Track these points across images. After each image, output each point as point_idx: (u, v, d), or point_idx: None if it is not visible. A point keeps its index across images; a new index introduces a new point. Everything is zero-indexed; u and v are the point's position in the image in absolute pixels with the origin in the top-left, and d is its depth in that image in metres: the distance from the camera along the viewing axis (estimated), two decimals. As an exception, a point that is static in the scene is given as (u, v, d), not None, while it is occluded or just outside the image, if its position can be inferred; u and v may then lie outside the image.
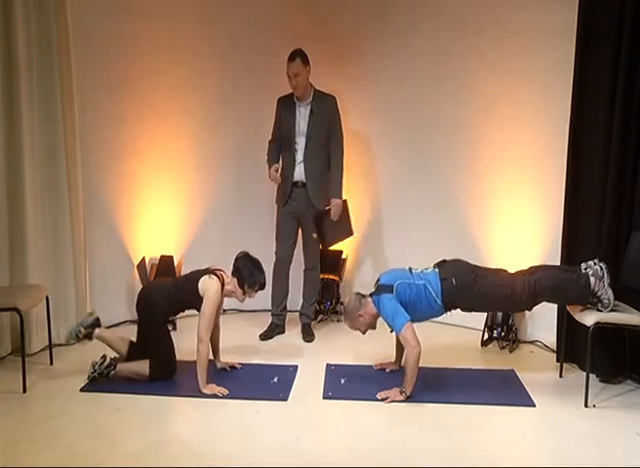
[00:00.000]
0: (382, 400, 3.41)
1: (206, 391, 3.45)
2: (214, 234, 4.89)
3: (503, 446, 3.05)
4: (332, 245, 4.54)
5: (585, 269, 3.46)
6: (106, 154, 4.49)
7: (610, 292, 3.39)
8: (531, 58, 4.20)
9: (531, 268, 3.62)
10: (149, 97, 4.61)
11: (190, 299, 3.58)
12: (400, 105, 4.77)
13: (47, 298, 3.77)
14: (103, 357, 3.60)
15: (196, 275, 3.61)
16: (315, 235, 4.34)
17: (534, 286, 3.43)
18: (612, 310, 3.40)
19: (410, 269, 3.62)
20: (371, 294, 3.59)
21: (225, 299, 4.86)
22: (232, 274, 3.64)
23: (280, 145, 4.36)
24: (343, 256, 4.93)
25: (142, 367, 3.58)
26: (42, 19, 3.87)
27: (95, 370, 3.54)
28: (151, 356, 3.60)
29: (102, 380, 3.54)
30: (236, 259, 3.65)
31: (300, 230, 4.47)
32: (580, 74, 3.72)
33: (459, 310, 3.60)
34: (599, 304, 3.41)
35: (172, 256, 4.67)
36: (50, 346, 3.90)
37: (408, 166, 4.81)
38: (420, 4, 4.61)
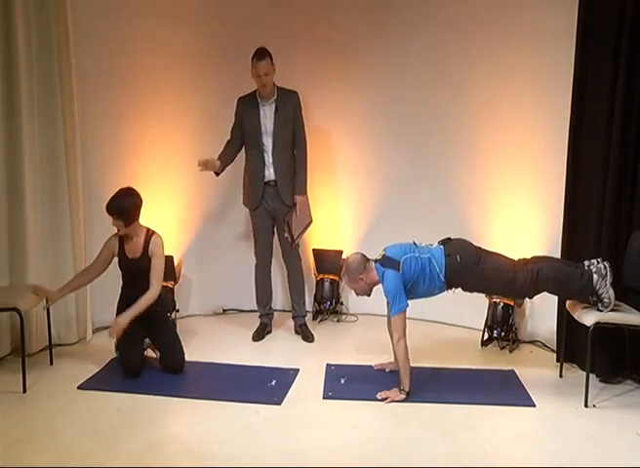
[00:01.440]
0: (382, 400, 3.41)
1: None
2: (213, 234, 4.89)
3: (503, 446, 3.05)
4: (298, 239, 4.40)
5: (589, 266, 3.47)
6: (106, 153, 4.49)
7: (611, 292, 3.39)
8: (531, 57, 4.19)
9: (534, 257, 3.61)
10: (149, 97, 4.61)
11: None
12: (400, 105, 4.76)
13: (47, 298, 3.77)
14: None
15: None
16: (287, 234, 4.29)
17: (536, 275, 3.43)
18: (612, 310, 3.40)
19: (414, 243, 3.62)
20: (375, 261, 3.57)
21: (226, 300, 4.92)
22: None
23: (237, 147, 4.31)
24: (343, 256, 4.93)
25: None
26: (42, 18, 3.87)
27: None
28: None
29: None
30: None
31: (275, 229, 4.42)
32: (581, 74, 3.72)
33: (460, 290, 3.59)
34: (599, 304, 3.41)
35: (172, 256, 4.67)
36: (50, 346, 3.90)
37: (408, 165, 4.81)
38: (419, 3, 4.60)
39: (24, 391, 3.46)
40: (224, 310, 4.97)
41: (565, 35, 3.81)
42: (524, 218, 4.37)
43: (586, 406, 3.37)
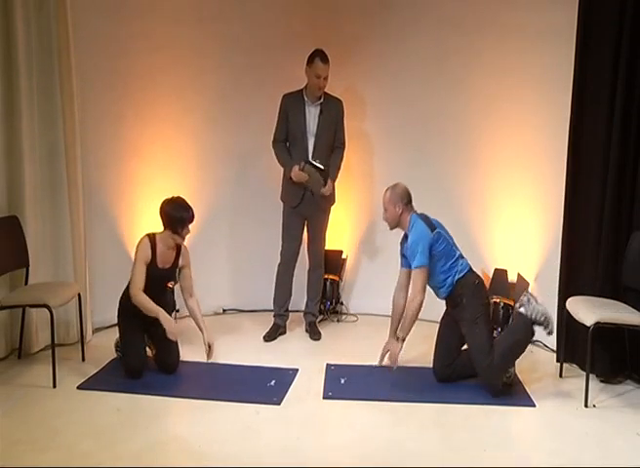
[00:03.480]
0: (388, 367, 3.49)
1: (169, 326, 3.58)
2: (214, 234, 4.89)
3: (503, 446, 3.05)
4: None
5: (518, 307, 3.54)
6: (106, 153, 4.49)
7: (541, 309, 3.43)
8: (531, 57, 4.20)
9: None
10: (149, 96, 4.60)
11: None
12: (400, 105, 4.76)
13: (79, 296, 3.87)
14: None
15: None
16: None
17: (492, 360, 3.43)
18: (610, 311, 3.40)
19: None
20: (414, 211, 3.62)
21: (226, 300, 4.92)
22: (164, 226, 3.72)
23: (286, 144, 4.35)
24: (343, 256, 4.94)
25: None
26: (42, 18, 3.86)
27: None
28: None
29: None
30: (159, 208, 3.71)
31: (305, 230, 4.46)
32: (581, 74, 3.72)
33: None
34: (542, 327, 3.45)
35: (172, 256, 4.67)
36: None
37: (408, 165, 4.80)
38: (419, 3, 4.60)
39: (55, 386, 3.50)
40: (224, 310, 4.97)
41: (565, 35, 3.82)
42: (524, 219, 4.37)
43: (586, 406, 3.37)
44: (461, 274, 3.54)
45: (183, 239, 3.72)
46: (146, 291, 3.71)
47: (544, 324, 3.42)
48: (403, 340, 3.47)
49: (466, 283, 3.54)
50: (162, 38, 4.55)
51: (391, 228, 3.74)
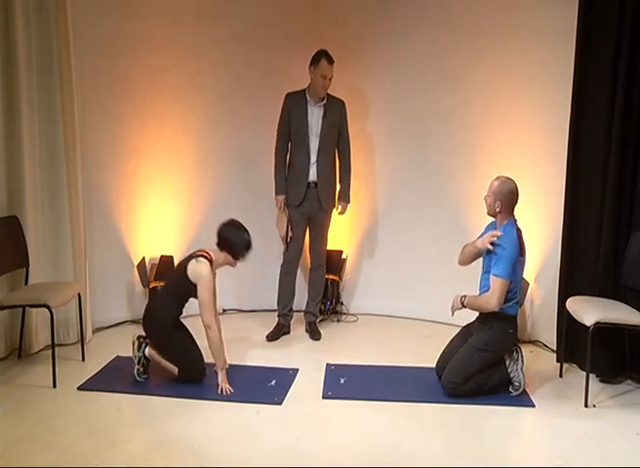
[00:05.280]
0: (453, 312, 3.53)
1: (220, 376, 3.49)
2: (214, 234, 4.87)
3: (503, 446, 3.05)
4: None
5: (506, 358, 3.53)
6: (106, 153, 4.49)
7: (521, 377, 3.46)
8: (531, 57, 4.20)
9: None
10: (149, 96, 4.60)
11: (185, 290, 3.57)
12: (400, 105, 4.76)
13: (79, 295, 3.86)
14: (138, 338, 3.65)
15: (183, 263, 3.63)
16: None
17: (461, 385, 3.44)
18: (609, 311, 3.39)
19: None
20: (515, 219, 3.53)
21: (226, 300, 4.91)
22: (218, 245, 3.64)
23: (286, 157, 4.37)
24: (343, 256, 4.93)
25: (172, 366, 3.60)
26: (42, 18, 3.86)
27: (136, 358, 3.58)
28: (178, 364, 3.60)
29: (149, 364, 3.63)
30: (220, 232, 3.66)
31: (307, 230, 4.48)
32: (580, 74, 3.72)
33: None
34: (510, 386, 3.48)
35: (172, 256, 4.67)
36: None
37: (408, 166, 4.81)
38: (420, 4, 4.60)
39: (54, 386, 3.50)
40: (224, 310, 4.97)
41: (565, 35, 3.82)
42: (524, 218, 4.36)
43: (586, 406, 3.37)
44: (507, 312, 3.46)
45: (234, 266, 3.69)
46: (182, 304, 3.65)
47: (515, 388, 3.48)
48: (463, 306, 3.49)
49: (504, 322, 3.47)
50: (162, 38, 4.56)
51: (488, 214, 3.59)
